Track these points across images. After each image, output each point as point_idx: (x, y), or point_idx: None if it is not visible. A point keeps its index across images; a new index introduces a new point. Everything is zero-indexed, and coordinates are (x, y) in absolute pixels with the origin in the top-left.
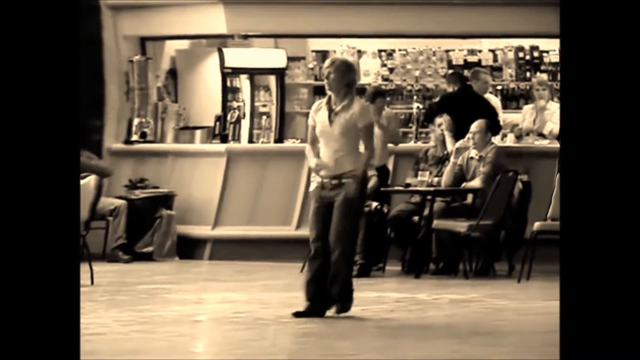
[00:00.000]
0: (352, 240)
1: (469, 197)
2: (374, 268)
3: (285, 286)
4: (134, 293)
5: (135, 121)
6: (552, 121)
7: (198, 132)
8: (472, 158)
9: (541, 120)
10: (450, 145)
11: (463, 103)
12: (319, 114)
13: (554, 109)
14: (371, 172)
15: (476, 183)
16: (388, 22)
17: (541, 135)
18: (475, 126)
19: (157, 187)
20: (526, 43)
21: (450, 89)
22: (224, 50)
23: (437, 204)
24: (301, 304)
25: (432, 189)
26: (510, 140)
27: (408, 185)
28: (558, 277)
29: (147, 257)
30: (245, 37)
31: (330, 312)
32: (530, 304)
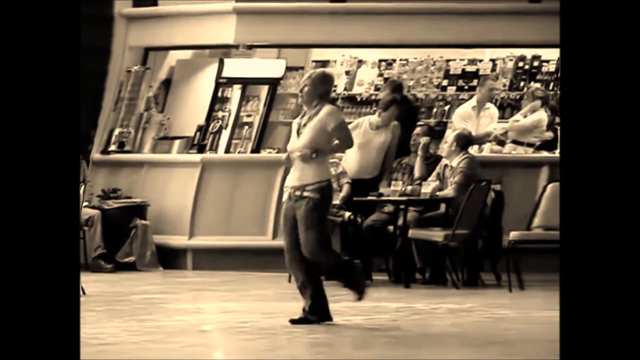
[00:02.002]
0: (323, 248)
1: (441, 207)
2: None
3: (278, 295)
4: (130, 303)
5: (116, 131)
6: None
7: (176, 142)
8: (446, 166)
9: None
10: (418, 172)
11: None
12: (293, 129)
13: (536, 117)
14: (344, 180)
15: (448, 192)
16: (395, 32)
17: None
18: (447, 139)
19: (130, 197)
20: (529, 53)
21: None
22: (225, 60)
23: (411, 214)
24: (299, 313)
25: (404, 198)
26: (487, 150)
27: (381, 194)
28: (550, 286)
29: (130, 267)
30: (250, 47)
31: None
32: (532, 314)
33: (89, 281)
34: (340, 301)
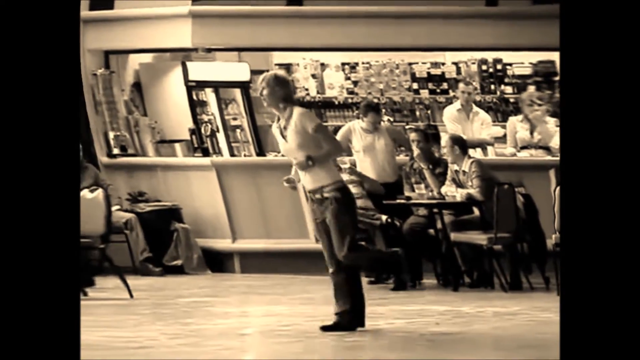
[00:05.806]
0: (357, 249)
1: (475, 211)
2: (417, 282)
3: (325, 299)
4: (176, 306)
5: (111, 135)
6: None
7: (177, 146)
8: (457, 171)
9: (545, 133)
10: (434, 186)
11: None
12: (275, 133)
13: (552, 122)
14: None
15: (476, 196)
16: (354, 35)
17: (543, 148)
18: (443, 142)
19: (159, 201)
20: (489, 56)
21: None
22: (188, 63)
23: (447, 217)
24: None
25: (435, 201)
26: (491, 153)
27: (409, 198)
28: None
29: (178, 270)
30: (209, 50)
31: None
32: None
33: (137, 284)
34: (386, 304)
